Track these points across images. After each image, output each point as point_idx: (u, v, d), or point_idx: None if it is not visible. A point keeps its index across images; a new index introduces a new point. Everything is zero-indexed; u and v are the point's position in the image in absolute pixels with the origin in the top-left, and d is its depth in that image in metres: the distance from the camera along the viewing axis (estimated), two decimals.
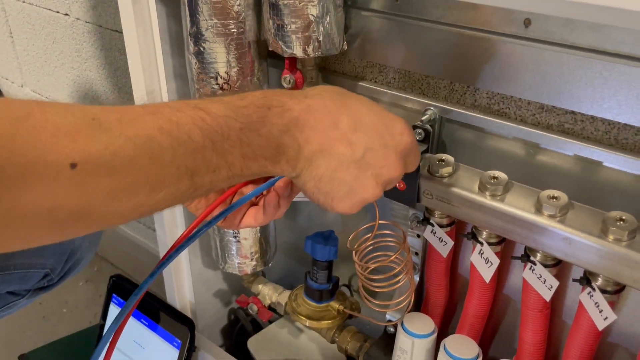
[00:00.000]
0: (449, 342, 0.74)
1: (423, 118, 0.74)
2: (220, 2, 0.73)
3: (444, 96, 0.75)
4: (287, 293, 1.02)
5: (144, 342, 1.04)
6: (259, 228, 0.93)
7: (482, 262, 0.72)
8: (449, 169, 0.69)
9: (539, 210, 0.63)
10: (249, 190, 0.55)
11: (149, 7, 0.81)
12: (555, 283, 0.67)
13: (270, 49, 0.77)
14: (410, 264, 0.79)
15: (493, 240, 0.71)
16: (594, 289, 0.64)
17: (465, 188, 0.68)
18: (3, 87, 1.84)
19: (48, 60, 1.57)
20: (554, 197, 0.63)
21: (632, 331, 0.70)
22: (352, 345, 0.91)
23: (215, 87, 0.78)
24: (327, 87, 0.53)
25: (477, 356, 0.73)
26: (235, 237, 0.93)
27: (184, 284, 1.04)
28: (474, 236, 0.72)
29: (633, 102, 0.58)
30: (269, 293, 1.03)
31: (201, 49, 0.76)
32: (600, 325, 0.65)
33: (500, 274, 0.78)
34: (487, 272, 0.73)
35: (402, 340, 0.78)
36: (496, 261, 0.72)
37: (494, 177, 0.66)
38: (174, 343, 1.00)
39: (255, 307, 1.07)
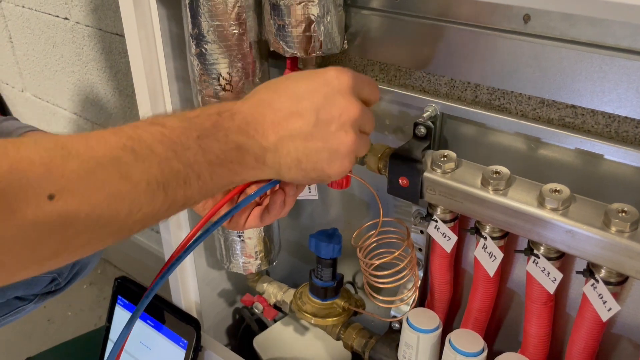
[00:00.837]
0: (454, 336, 0.75)
1: (424, 115, 0.74)
2: (221, 4, 0.73)
3: (445, 93, 0.75)
4: (291, 291, 1.02)
5: (150, 343, 1.05)
6: (263, 227, 0.93)
7: (486, 256, 0.73)
8: (451, 165, 0.70)
9: (541, 203, 0.64)
10: (253, 190, 0.55)
11: (150, 10, 0.81)
12: (559, 275, 0.68)
13: (271, 49, 0.77)
14: (414, 260, 0.80)
15: (496, 235, 0.72)
16: (597, 281, 0.64)
17: (468, 183, 0.68)
18: (4, 92, 1.85)
19: (48, 65, 1.57)
20: (556, 191, 0.63)
21: (635, 322, 0.71)
22: (358, 341, 0.91)
23: (218, 88, 0.79)
24: (261, 84, 0.55)
25: (482, 350, 0.73)
26: (239, 236, 0.93)
27: (189, 284, 1.05)
28: (477, 231, 0.73)
29: (633, 95, 0.59)
30: (273, 292, 1.04)
31: (203, 50, 0.77)
32: (604, 316, 0.65)
33: (504, 268, 0.78)
34: (491, 266, 0.73)
35: (408, 336, 0.78)
36: (500, 255, 0.72)
37: (496, 172, 0.67)
38: (180, 343, 1.01)
39: (260, 306, 1.07)
